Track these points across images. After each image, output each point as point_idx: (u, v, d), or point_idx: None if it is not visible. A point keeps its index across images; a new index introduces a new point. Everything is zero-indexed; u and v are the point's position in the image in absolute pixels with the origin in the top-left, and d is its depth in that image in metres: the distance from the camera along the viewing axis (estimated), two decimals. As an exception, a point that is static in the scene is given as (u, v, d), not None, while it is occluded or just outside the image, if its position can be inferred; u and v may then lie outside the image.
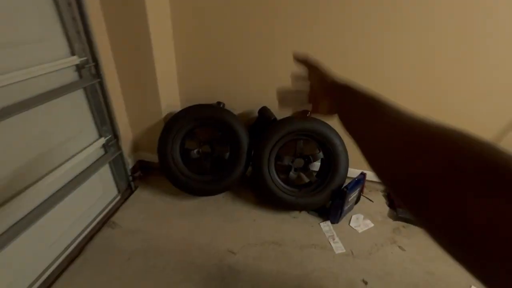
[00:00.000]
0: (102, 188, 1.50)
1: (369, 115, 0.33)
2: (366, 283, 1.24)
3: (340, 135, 1.47)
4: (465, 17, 1.21)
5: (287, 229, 1.50)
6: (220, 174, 1.56)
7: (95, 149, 1.36)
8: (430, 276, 1.29)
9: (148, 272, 1.22)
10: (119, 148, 1.50)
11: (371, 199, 1.73)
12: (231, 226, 1.49)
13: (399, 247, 1.43)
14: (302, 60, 0.48)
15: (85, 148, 1.30)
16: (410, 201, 0.23)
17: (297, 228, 1.51)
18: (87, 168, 1.34)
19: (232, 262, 1.30)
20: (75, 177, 1.28)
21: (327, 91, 0.44)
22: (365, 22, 1.31)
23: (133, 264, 1.25)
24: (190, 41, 1.53)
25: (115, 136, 1.46)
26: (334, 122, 1.49)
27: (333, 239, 1.44)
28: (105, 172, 1.51)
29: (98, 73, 1.26)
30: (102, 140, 1.40)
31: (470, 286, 1.25)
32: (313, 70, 0.47)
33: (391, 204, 1.70)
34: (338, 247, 1.40)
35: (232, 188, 1.62)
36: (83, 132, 1.30)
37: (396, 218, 1.59)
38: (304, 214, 1.59)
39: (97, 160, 1.41)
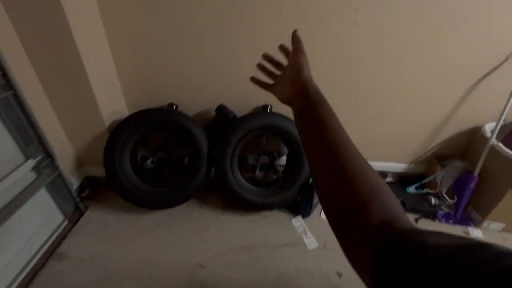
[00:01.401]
0: (42, 215, 1.29)
1: (321, 131, 0.37)
2: (340, 275, 1.24)
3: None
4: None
5: (258, 230, 1.44)
6: (181, 182, 1.43)
7: (22, 174, 1.14)
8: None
9: (107, 306, 1.09)
10: (55, 168, 1.28)
11: (339, 186, 1.74)
12: (198, 237, 1.39)
13: (369, 232, 1.45)
14: (295, 42, 0.47)
15: (7, 176, 1.08)
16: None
17: (268, 228, 1.45)
18: (17, 196, 1.13)
19: (203, 275, 1.22)
20: (2, 208, 1.06)
21: (297, 82, 0.45)
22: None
23: (87, 299, 1.10)
24: (129, 40, 1.33)
25: (48, 155, 1.24)
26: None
27: (305, 234, 1.42)
28: (43, 197, 1.30)
29: (8, 83, 1.02)
30: (31, 163, 1.18)
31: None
32: (297, 56, 0.46)
33: (358, 189, 1.72)
34: (311, 242, 1.38)
35: (195, 195, 1.51)
36: (1, 157, 1.08)
37: (363, 203, 1.61)
38: (274, 212, 1.54)
39: (29, 185, 1.19)
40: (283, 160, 1.60)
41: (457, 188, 1.54)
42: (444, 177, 1.57)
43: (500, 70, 1.36)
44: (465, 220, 1.54)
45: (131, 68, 1.42)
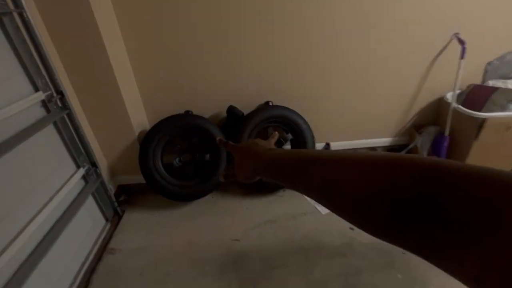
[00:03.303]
0: (90, 218, 1.47)
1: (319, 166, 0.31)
2: (352, 229, 1.49)
3: (301, 115, 1.70)
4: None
5: (277, 207, 1.67)
6: (205, 176, 1.66)
7: (76, 181, 1.34)
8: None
9: (164, 279, 1.27)
10: (99, 175, 1.49)
11: (338, 164, 2.01)
12: (227, 219, 1.61)
13: (369, 194, 1.72)
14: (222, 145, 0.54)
15: (66, 182, 1.28)
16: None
17: (285, 204, 1.69)
18: (73, 201, 1.32)
19: (239, 247, 1.43)
20: (64, 212, 1.25)
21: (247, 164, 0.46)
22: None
23: (147, 277, 1.29)
24: (145, 56, 1.59)
25: (93, 164, 1.46)
26: (293, 104, 1.72)
27: (318, 204, 1.66)
28: (90, 202, 1.49)
29: (64, 105, 1.26)
30: (82, 171, 1.39)
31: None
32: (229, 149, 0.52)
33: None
34: (324, 208, 1.63)
35: (218, 186, 1.73)
36: (60, 166, 1.28)
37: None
38: (288, 192, 1.78)
39: (81, 192, 1.39)
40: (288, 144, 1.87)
41: (435, 149, 1.85)
42: (422, 141, 1.88)
43: (448, 48, 1.71)
44: (446, 175, 1.83)
45: (149, 84, 1.68)
